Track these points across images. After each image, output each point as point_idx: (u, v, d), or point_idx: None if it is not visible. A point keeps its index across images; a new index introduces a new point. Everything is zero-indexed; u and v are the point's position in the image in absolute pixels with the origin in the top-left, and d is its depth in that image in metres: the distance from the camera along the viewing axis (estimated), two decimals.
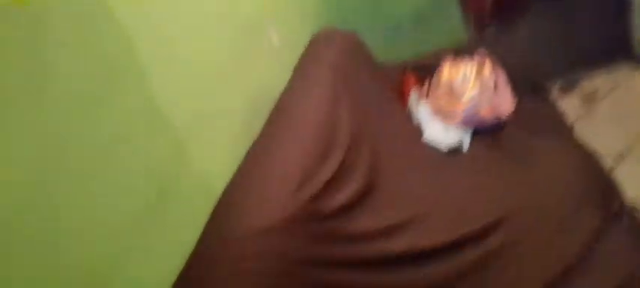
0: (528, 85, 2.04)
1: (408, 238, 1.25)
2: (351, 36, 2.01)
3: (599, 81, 2.83)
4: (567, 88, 2.86)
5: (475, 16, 2.79)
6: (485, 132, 1.78)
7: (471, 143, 1.72)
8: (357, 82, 1.78)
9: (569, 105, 2.68)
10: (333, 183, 1.28)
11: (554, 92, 2.79)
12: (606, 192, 1.54)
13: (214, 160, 1.42)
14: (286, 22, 2.04)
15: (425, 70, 2.07)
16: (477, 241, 1.29)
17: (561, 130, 1.87)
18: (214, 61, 1.55)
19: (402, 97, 2.01)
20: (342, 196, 1.26)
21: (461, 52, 2.05)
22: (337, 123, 1.49)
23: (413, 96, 1.96)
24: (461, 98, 1.80)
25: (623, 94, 2.67)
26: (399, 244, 1.23)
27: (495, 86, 1.84)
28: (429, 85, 1.96)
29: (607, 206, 1.43)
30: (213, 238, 1.16)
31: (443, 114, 1.81)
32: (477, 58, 1.94)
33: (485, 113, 1.78)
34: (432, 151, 1.68)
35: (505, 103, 1.82)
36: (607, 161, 2.15)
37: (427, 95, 1.93)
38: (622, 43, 2.85)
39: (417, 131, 1.77)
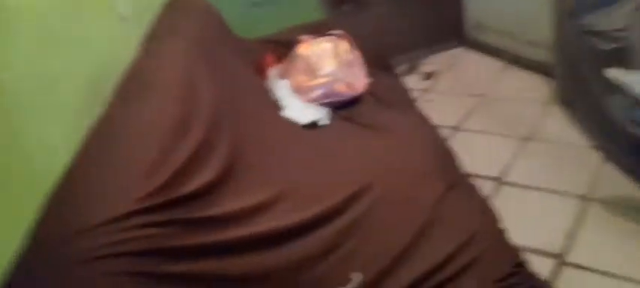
0: (379, 62, 2.11)
1: (272, 217, 1.19)
2: (208, 6, 1.88)
3: (437, 61, 3.09)
4: (411, 67, 3.07)
5: None
6: (342, 107, 1.80)
7: (330, 118, 1.73)
8: (215, 55, 1.67)
9: (413, 83, 2.88)
10: (192, 163, 1.17)
11: (400, 70, 2.97)
12: (447, 162, 1.66)
13: (51, 134, 1.22)
14: None
15: (283, 47, 2.03)
16: (339, 214, 1.28)
17: (410, 104, 1.97)
18: (51, 22, 1.33)
19: (262, 72, 1.94)
20: (202, 177, 1.16)
21: (318, 29, 2.05)
22: (196, 97, 1.37)
23: (272, 72, 1.91)
24: (318, 74, 1.79)
25: (457, 74, 2.95)
26: (263, 224, 1.16)
27: (351, 64, 1.87)
28: (288, 61, 1.93)
29: (448, 174, 1.54)
30: (49, 233, 0.97)
31: (301, 90, 1.79)
32: (333, 35, 1.95)
33: (342, 89, 1.80)
34: (292, 126, 1.65)
35: (360, 79, 1.86)
36: (444, 133, 2.35)
37: (286, 72, 1.89)
38: (457, 27, 3.14)
39: (277, 107, 1.72)
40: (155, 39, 1.65)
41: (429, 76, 2.98)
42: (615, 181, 1.92)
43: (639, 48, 1.87)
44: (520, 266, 1.37)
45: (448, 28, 3.16)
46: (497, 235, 1.45)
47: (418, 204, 1.39)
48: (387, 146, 1.57)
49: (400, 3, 3.02)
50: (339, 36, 1.91)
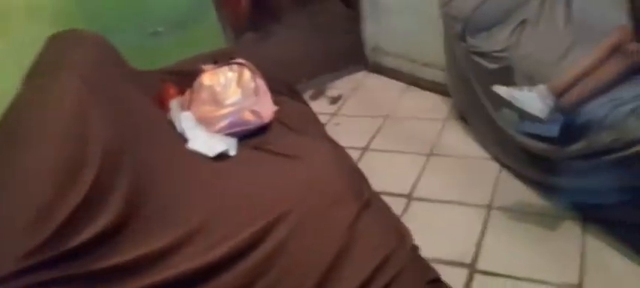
0: (285, 89, 2.09)
1: (180, 260, 1.10)
2: (98, 38, 1.74)
3: (342, 85, 3.15)
4: (317, 93, 3.10)
5: (232, 22, 2.77)
6: (250, 136, 1.74)
7: (238, 147, 1.67)
8: (109, 90, 1.54)
9: (319, 107, 2.90)
10: (83, 211, 1.04)
11: (306, 97, 2.98)
12: (358, 183, 1.66)
13: None
14: (11, 18, 1.65)
15: (185, 77, 1.94)
16: (255, 247, 1.22)
17: (319, 129, 1.96)
18: None
19: (163, 105, 1.83)
20: (95, 225, 1.04)
21: (220, 58, 1.99)
22: (87, 137, 1.24)
23: (174, 104, 1.81)
24: (223, 104, 1.73)
25: (362, 97, 3.01)
26: (171, 269, 1.07)
27: (256, 92, 1.82)
28: (191, 92, 1.84)
29: (360, 195, 1.54)
30: None
31: (207, 121, 1.71)
32: (236, 63, 1.89)
33: (249, 117, 1.74)
34: (199, 159, 1.56)
35: (266, 107, 1.82)
36: (353, 155, 2.37)
37: (189, 103, 1.80)
38: (358, 51, 3.23)
39: (182, 140, 1.62)
40: (39, 74, 1.49)
41: (335, 100, 3.02)
42: (513, 189, 2.05)
43: (518, 67, 2.02)
44: (435, 282, 1.39)
45: (350, 53, 3.23)
46: (412, 252, 1.46)
47: (334, 228, 1.36)
48: (299, 172, 1.53)
49: (302, 30, 3.05)
50: (241, 65, 1.86)
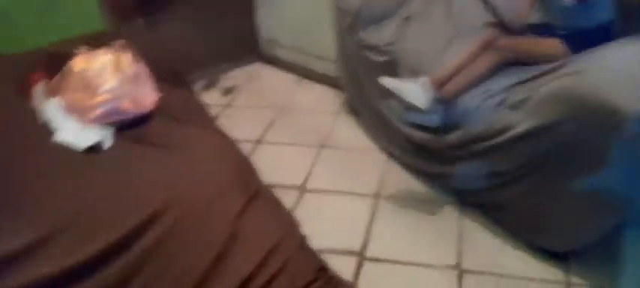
0: (171, 77, 1.94)
1: (40, 262, 0.95)
2: None
3: (235, 76, 3.04)
4: (209, 84, 2.96)
5: (116, 6, 2.54)
6: (128, 126, 1.59)
7: (114, 139, 1.51)
8: None
9: (212, 99, 2.77)
10: None
11: (198, 88, 2.83)
12: (247, 175, 1.58)
13: None
14: None
15: (55, 62, 1.71)
16: (126, 246, 1.11)
17: (207, 120, 1.85)
18: None
19: (27, 91, 1.61)
20: None
21: (96, 41, 1.79)
22: None
23: (39, 91, 1.59)
24: (97, 91, 1.55)
25: (255, 88, 2.93)
26: (28, 272, 0.92)
27: (136, 78, 1.66)
28: (61, 77, 1.63)
29: (248, 188, 1.47)
30: None
31: (78, 110, 1.52)
32: (114, 48, 1.71)
33: (127, 106, 1.58)
34: (66, 152, 1.38)
35: (147, 94, 1.67)
36: (246, 147, 2.28)
37: (58, 90, 1.59)
38: (253, 43, 3.13)
39: (47, 131, 1.43)
40: None
41: (228, 91, 2.90)
42: (399, 178, 2.10)
43: (403, 60, 2.08)
44: (322, 271, 1.36)
45: (244, 44, 3.14)
46: (299, 243, 1.42)
47: (218, 222, 1.28)
48: (182, 165, 1.42)
49: (195, 19, 2.89)
50: (120, 47, 1.68)
